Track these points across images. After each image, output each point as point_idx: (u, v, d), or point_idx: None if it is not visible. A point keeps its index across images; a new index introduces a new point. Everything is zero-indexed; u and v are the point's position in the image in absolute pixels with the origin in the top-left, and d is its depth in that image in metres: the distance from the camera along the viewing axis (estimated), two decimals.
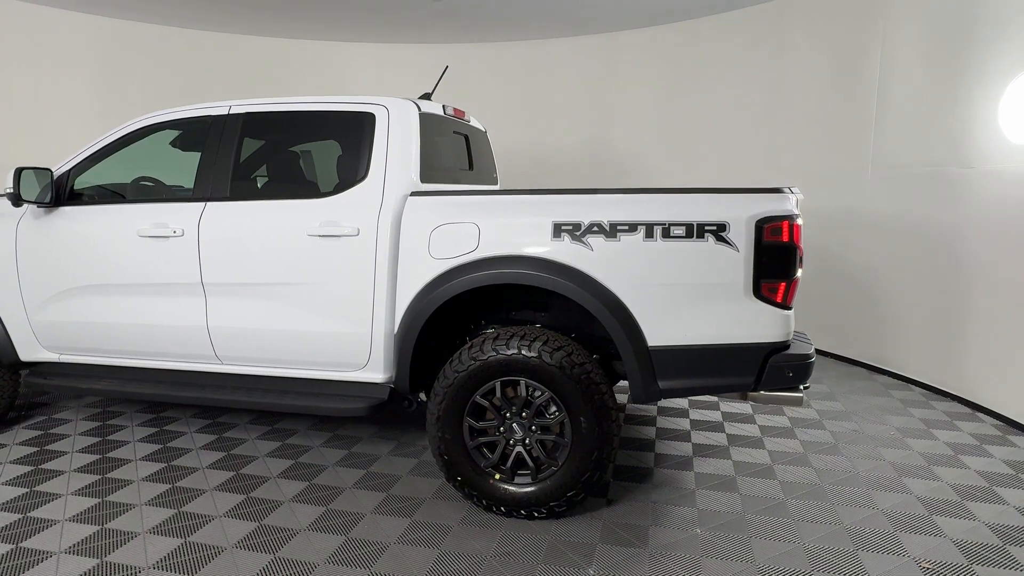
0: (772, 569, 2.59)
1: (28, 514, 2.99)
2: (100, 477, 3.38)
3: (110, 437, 3.89)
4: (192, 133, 3.58)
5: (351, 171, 3.23)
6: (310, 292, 3.18)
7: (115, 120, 5.90)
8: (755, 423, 4.20)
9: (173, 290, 3.38)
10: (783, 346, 2.79)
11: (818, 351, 4.98)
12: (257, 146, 3.44)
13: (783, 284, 2.74)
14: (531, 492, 2.93)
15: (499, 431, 2.98)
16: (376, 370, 3.22)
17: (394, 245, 3.08)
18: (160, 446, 3.77)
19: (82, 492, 3.21)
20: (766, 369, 2.78)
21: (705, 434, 4.01)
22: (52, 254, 3.53)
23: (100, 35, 6.64)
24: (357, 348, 3.19)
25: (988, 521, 2.96)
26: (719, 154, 6.57)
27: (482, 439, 2.99)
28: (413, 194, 3.11)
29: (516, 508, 2.96)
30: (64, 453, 3.67)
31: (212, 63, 7.26)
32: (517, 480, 2.98)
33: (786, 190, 2.77)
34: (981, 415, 4.37)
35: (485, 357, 2.89)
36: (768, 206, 2.72)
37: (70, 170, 3.58)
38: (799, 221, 2.72)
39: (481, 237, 2.93)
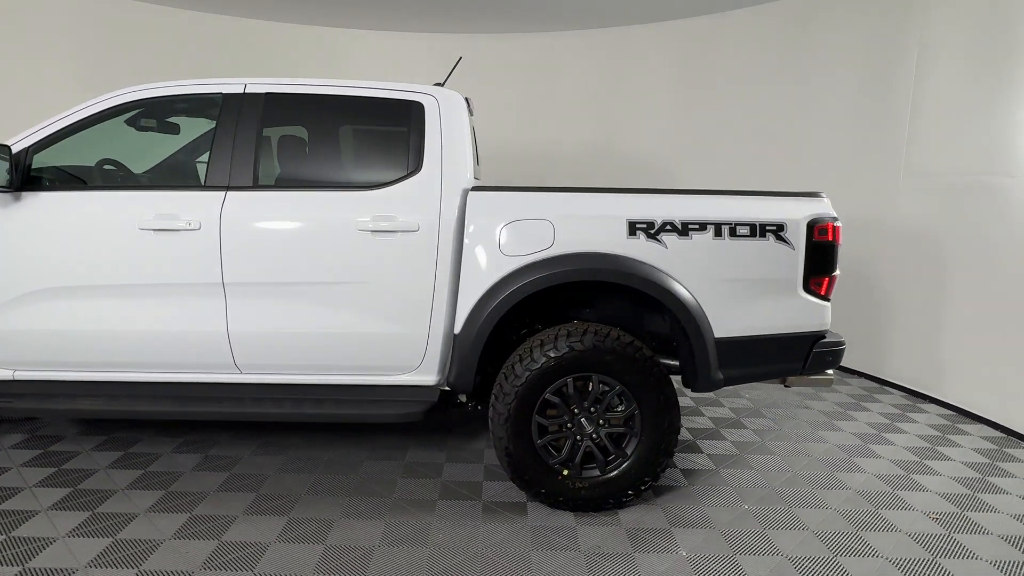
0: (733, 533, 2.90)
1: None
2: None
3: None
4: (193, 111, 3.14)
5: (401, 163, 3.04)
6: (359, 291, 2.95)
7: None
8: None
9: (183, 291, 2.95)
10: (824, 335, 3.12)
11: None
12: (283, 130, 3.10)
13: (827, 279, 3.06)
14: (601, 485, 2.99)
15: (568, 427, 3.00)
16: (429, 372, 3.07)
17: (458, 241, 2.96)
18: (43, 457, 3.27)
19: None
20: (811, 355, 3.09)
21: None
22: (11, 250, 2.91)
23: (86, 12, 6.17)
24: (411, 350, 3.02)
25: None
26: (738, 155, 6.30)
27: (550, 436, 2.99)
28: (473, 189, 3.01)
29: (585, 502, 3.00)
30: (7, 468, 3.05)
31: (208, 46, 6.75)
32: (584, 474, 3.02)
33: (823, 194, 3.10)
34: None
35: (559, 354, 2.89)
36: (817, 209, 3.02)
37: (29, 147, 2.97)
38: (839, 223, 3.05)
39: (556, 234, 2.92)
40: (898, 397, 4.93)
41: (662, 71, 6.77)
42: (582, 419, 2.99)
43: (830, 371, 3.22)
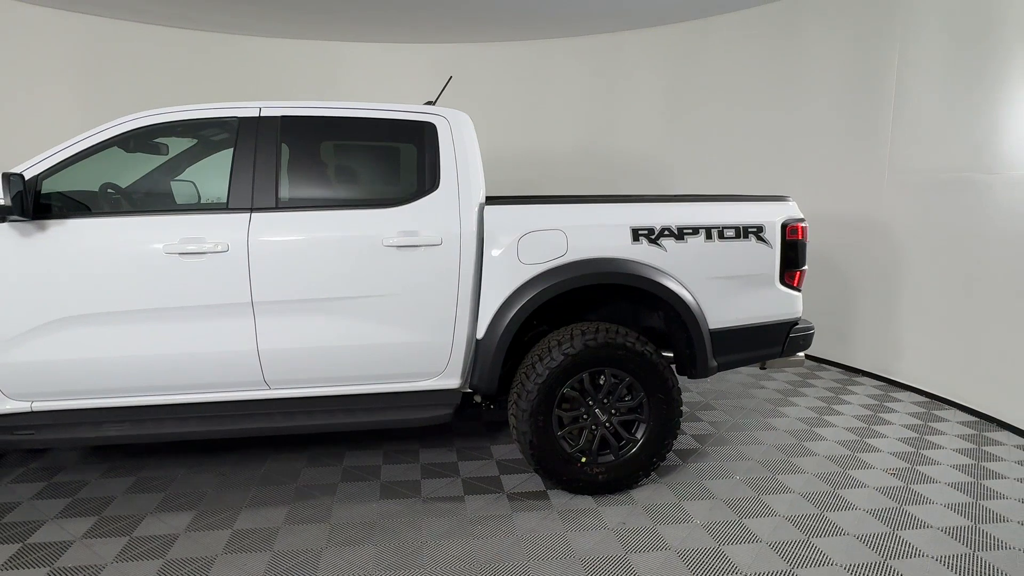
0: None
1: None
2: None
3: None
4: (208, 135, 3.18)
5: (418, 180, 3.21)
6: (387, 304, 3.11)
7: (100, 121, 5.56)
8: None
9: (211, 313, 3.00)
10: (797, 321, 3.56)
11: (820, 360, 5.81)
12: (299, 152, 3.19)
13: (798, 272, 3.50)
14: (615, 469, 3.30)
15: (584, 418, 3.28)
16: (452, 376, 3.27)
17: (478, 253, 3.17)
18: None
19: None
20: (788, 340, 3.53)
21: None
22: (30, 279, 2.86)
23: (85, 33, 6.31)
24: (436, 356, 3.21)
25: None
26: (728, 157, 6.41)
27: (569, 428, 3.26)
28: (488, 202, 3.23)
29: (603, 486, 3.29)
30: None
31: (201, 63, 6.88)
32: (600, 460, 3.32)
33: (790, 197, 3.54)
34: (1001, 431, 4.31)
35: (576, 351, 3.17)
36: (788, 211, 3.46)
37: (39, 175, 2.93)
38: (806, 223, 3.49)
39: (569, 242, 3.19)
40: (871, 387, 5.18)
41: (651, 76, 6.93)
42: (596, 410, 3.28)
43: (801, 353, 3.67)
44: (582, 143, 7.38)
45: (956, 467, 3.66)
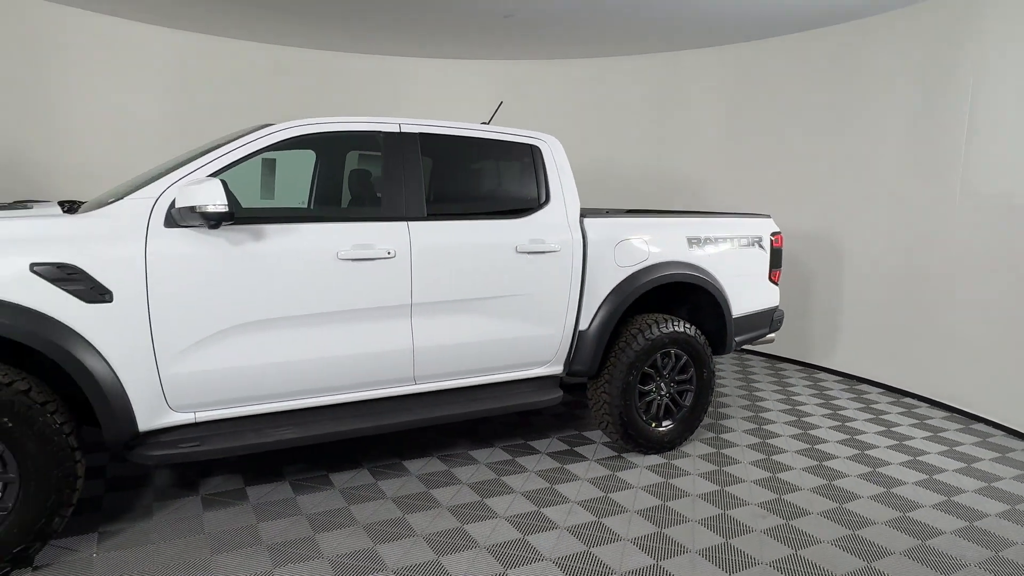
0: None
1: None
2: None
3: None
4: (355, 146, 3.32)
5: (533, 195, 3.71)
6: (515, 303, 3.56)
7: (189, 131, 6.08)
8: None
9: (376, 315, 3.18)
10: (776, 308, 4.72)
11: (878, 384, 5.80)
12: (438, 166, 3.48)
13: (778, 271, 4.66)
14: (673, 430, 4.11)
15: (654, 390, 4.05)
16: (558, 363, 3.82)
17: (584, 257, 3.76)
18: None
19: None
20: (772, 322, 4.67)
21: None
22: (210, 286, 2.79)
23: (175, 47, 6.74)
24: (550, 346, 3.73)
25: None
26: (790, 177, 6.37)
27: (644, 399, 4.01)
28: (584, 215, 3.84)
29: (665, 445, 4.08)
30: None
31: (279, 76, 7.25)
32: (664, 424, 4.11)
33: (770, 215, 4.70)
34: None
35: (656, 336, 3.93)
36: (772, 226, 4.60)
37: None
38: (781, 234, 4.67)
39: (650, 249, 3.94)
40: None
41: (712, 95, 6.98)
42: (661, 383, 4.07)
43: (773, 334, 4.85)
44: (642, 161, 7.49)
45: None
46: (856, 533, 3.19)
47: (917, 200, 5.38)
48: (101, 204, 2.80)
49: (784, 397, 5.39)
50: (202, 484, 3.47)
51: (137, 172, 3.74)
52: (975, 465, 4.10)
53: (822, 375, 6.18)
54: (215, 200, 2.62)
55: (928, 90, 5.29)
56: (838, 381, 5.98)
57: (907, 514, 3.41)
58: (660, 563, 2.87)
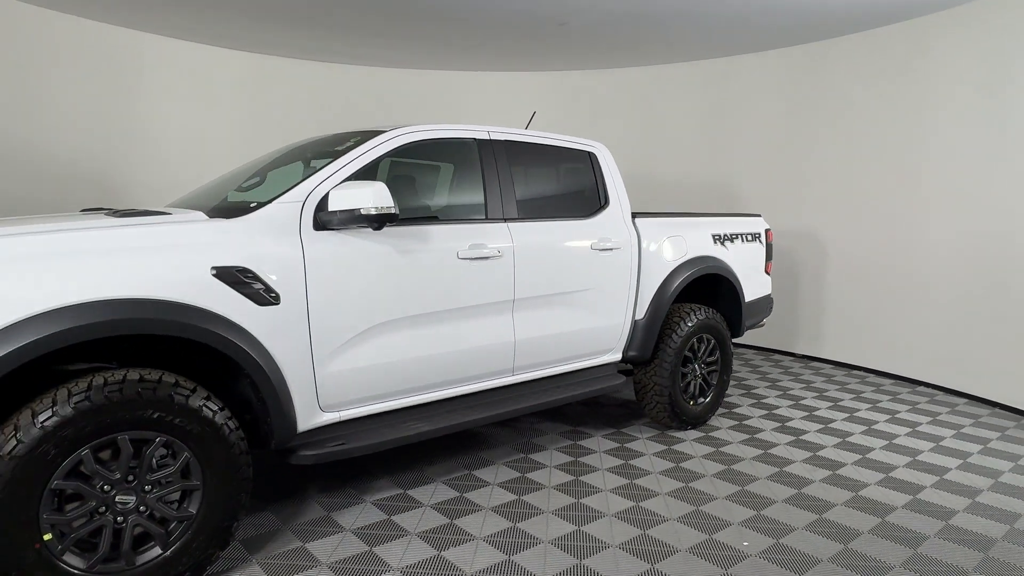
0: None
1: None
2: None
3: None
4: (451, 152, 3.50)
5: (595, 197, 4.05)
6: (591, 295, 3.88)
7: (258, 146, 6.27)
8: None
9: (486, 310, 3.38)
10: (769, 295, 5.38)
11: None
12: (522, 171, 3.71)
13: (770, 263, 5.31)
14: (706, 405, 4.62)
15: (690, 371, 4.53)
16: (619, 351, 4.18)
17: (639, 254, 4.16)
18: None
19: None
20: (768, 309, 5.32)
21: None
22: (360, 286, 2.88)
23: (240, 68, 7.28)
24: (616, 335, 4.09)
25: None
26: (848, 181, 6.33)
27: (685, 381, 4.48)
28: (635, 216, 4.24)
29: (699, 419, 4.57)
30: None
31: (337, 93, 7.76)
32: (699, 400, 4.60)
33: (761, 214, 5.35)
34: None
35: (695, 323, 4.41)
36: (765, 224, 5.25)
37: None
38: (771, 230, 5.34)
39: (688, 245, 4.41)
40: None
41: (766, 100, 6.91)
42: (695, 365, 4.56)
43: (765, 319, 5.51)
44: (693, 167, 7.52)
45: None
46: (889, 476, 3.83)
47: (1001, 205, 5.16)
48: (186, 207, 2.84)
49: (776, 380, 6.09)
50: None
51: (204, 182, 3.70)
52: (964, 430, 4.96)
53: (817, 363, 7.01)
54: (382, 202, 2.74)
55: (992, 88, 5.13)
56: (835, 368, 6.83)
57: (890, 475, 4.12)
58: (761, 512, 3.32)
